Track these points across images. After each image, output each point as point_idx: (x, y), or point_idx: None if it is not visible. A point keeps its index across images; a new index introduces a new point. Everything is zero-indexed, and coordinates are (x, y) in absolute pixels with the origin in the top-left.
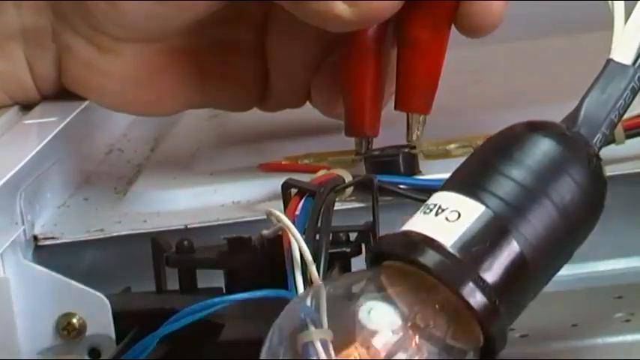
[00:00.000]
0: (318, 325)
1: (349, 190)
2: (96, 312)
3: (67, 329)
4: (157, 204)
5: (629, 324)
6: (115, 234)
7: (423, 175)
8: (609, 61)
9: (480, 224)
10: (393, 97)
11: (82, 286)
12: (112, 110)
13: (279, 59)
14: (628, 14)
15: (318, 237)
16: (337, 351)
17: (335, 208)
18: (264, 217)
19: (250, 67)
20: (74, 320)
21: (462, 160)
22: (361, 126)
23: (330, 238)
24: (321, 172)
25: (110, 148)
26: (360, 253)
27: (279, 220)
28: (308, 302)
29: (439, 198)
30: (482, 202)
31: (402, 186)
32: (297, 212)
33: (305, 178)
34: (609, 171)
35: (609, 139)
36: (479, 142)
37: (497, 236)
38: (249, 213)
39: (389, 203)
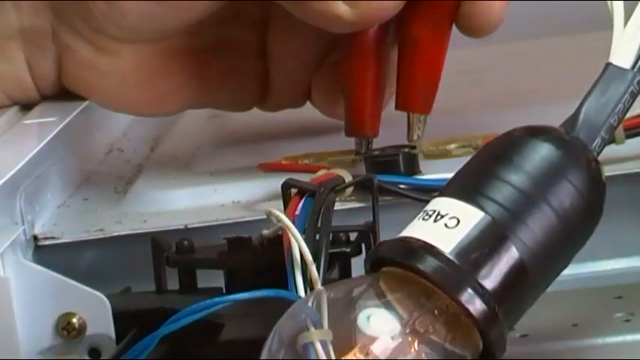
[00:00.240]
0: (318, 326)
1: (349, 190)
2: (96, 312)
3: (67, 329)
4: (157, 204)
5: (629, 324)
6: (115, 234)
7: (423, 175)
8: (608, 64)
9: (478, 230)
10: (394, 97)
11: (82, 286)
12: (111, 110)
13: (279, 59)
14: (628, 15)
15: (318, 237)
16: (337, 357)
17: (335, 208)
18: (264, 217)
19: (250, 67)
20: (74, 320)
21: (462, 160)
22: (361, 126)
23: (330, 238)
24: (321, 172)
25: (110, 147)
26: (360, 253)
27: (279, 220)
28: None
29: (438, 204)
30: (481, 208)
31: (402, 186)
32: (297, 212)
33: (305, 178)
34: (609, 171)
35: (609, 139)
36: (479, 142)
37: (496, 242)
38: (249, 213)
39: (389, 203)
